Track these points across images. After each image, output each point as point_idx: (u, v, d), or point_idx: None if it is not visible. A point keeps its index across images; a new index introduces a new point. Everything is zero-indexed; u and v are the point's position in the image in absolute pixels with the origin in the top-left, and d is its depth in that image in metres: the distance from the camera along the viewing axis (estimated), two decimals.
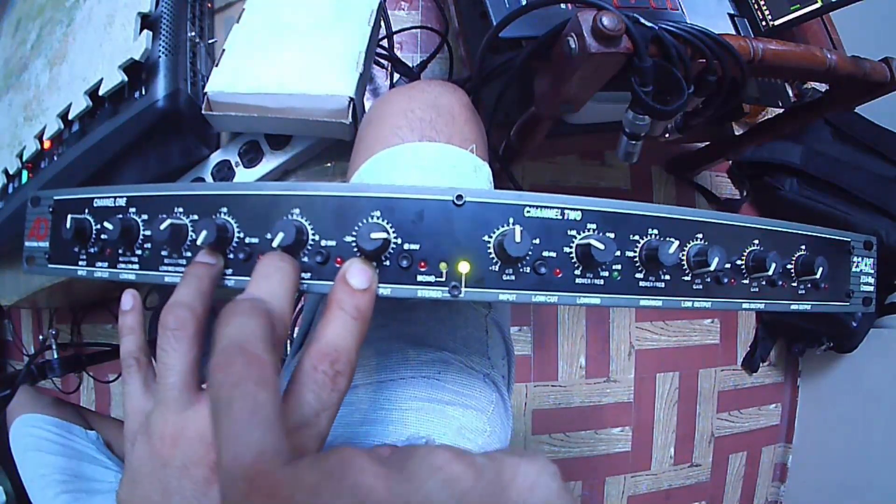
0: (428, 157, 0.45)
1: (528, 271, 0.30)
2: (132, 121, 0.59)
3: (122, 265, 0.34)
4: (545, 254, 0.31)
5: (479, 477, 0.20)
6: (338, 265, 0.30)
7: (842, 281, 0.39)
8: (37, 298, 0.87)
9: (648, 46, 0.59)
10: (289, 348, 0.89)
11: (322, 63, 0.64)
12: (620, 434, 1.40)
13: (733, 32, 0.75)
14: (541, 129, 0.89)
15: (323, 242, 0.30)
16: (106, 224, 0.33)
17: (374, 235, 0.28)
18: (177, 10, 0.65)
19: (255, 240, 0.31)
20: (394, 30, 1.03)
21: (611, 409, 1.40)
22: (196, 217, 0.32)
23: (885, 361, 1.29)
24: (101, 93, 0.59)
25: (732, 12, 0.77)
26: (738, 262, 0.35)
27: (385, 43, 0.98)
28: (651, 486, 1.42)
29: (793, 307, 0.37)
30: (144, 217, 0.34)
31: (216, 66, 0.64)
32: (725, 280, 0.34)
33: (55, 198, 0.37)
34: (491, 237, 0.30)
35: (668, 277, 0.33)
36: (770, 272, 0.33)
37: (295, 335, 0.62)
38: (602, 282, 0.31)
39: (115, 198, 0.35)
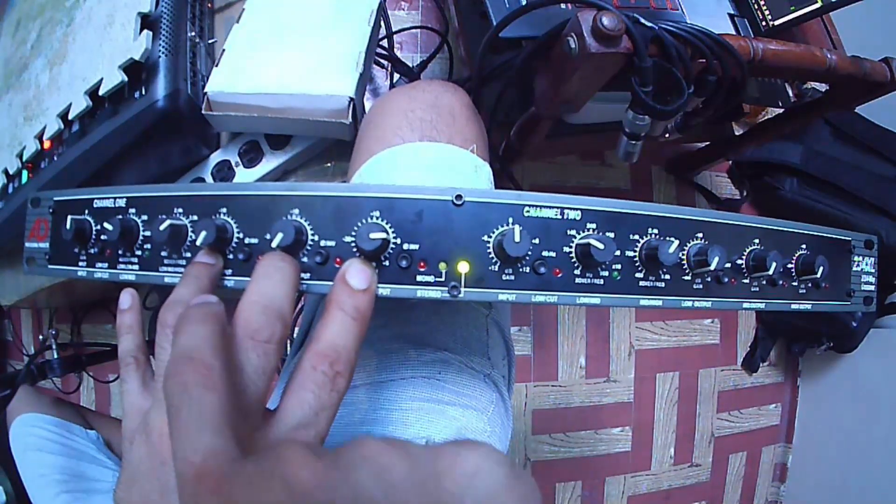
0: (428, 157, 0.45)
1: (527, 271, 0.30)
2: (132, 121, 0.59)
3: (122, 266, 0.34)
4: (545, 253, 0.31)
5: (412, 467, 0.19)
6: (337, 265, 0.30)
7: (842, 280, 0.39)
8: (37, 298, 0.87)
9: (648, 46, 0.59)
10: (289, 348, 0.89)
11: (322, 63, 0.64)
12: (620, 434, 1.40)
13: (733, 32, 0.75)
14: (541, 129, 0.89)
15: (322, 243, 0.30)
16: (106, 225, 0.33)
17: (373, 235, 0.28)
18: (177, 10, 0.65)
19: (254, 240, 0.31)
20: (394, 30, 1.03)
21: (611, 409, 1.40)
22: (195, 217, 0.32)
23: (885, 361, 1.28)
24: (101, 93, 0.59)
25: (732, 12, 0.77)
26: (739, 262, 0.34)
27: (385, 43, 0.98)
28: (651, 486, 1.42)
29: (793, 307, 0.37)
30: (144, 218, 0.34)
31: (216, 66, 0.64)
32: (726, 279, 0.34)
33: (55, 198, 0.37)
34: (490, 237, 0.30)
35: (668, 277, 0.33)
36: (770, 271, 0.33)
37: (295, 335, 0.62)
38: (602, 281, 0.31)
39: (114, 199, 0.35)
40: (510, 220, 0.30)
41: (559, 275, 0.31)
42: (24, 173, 0.66)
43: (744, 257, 0.35)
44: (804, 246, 0.37)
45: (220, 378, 0.22)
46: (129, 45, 0.59)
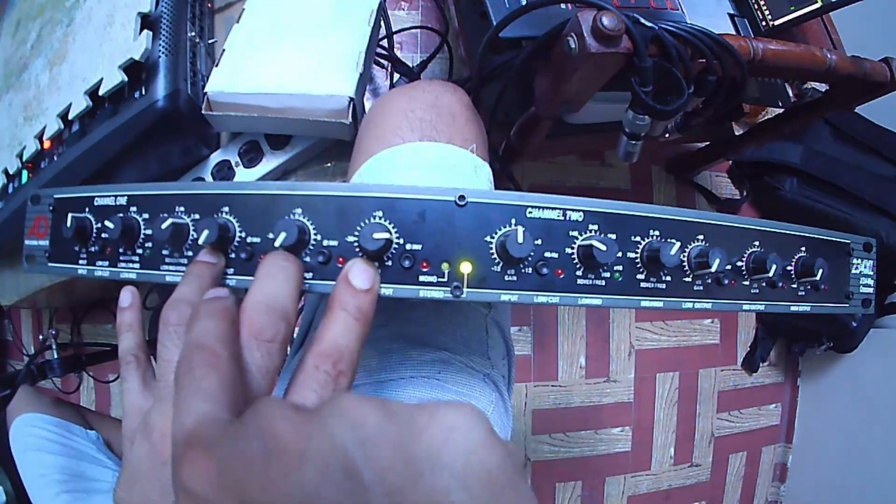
0: (428, 157, 0.45)
1: (529, 272, 0.30)
2: (132, 121, 0.59)
3: (123, 264, 0.34)
4: (547, 254, 0.31)
5: (388, 420, 0.19)
6: (340, 265, 0.30)
7: (841, 282, 0.39)
8: (37, 298, 0.87)
9: (648, 46, 0.59)
10: (288, 349, 0.89)
11: (322, 63, 0.64)
12: (620, 434, 1.40)
13: (733, 32, 0.75)
14: (541, 129, 0.89)
15: (325, 242, 0.30)
16: (107, 223, 0.33)
17: (376, 235, 0.28)
18: (177, 10, 0.65)
19: (256, 239, 0.31)
20: (394, 30, 1.03)
21: (611, 409, 1.40)
22: (197, 216, 0.32)
23: (885, 361, 1.29)
24: (101, 93, 0.59)
25: (732, 12, 0.77)
26: (739, 264, 0.35)
27: (385, 43, 0.98)
28: (651, 486, 1.42)
29: (793, 308, 0.37)
30: (145, 216, 0.34)
31: (216, 66, 0.64)
32: (726, 281, 0.34)
33: (56, 196, 0.37)
34: (493, 238, 0.30)
35: (669, 278, 0.33)
36: (770, 273, 0.33)
37: (294, 335, 0.62)
38: (603, 283, 0.31)
39: (115, 196, 0.35)
40: (513, 221, 0.30)
41: (561, 276, 0.31)
42: (24, 173, 0.66)
43: (744, 259, 0.35)
44: (803, 248, 0.37)
45: (226, 364, 0.23)
46: (129, 45, 0.59)
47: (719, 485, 1.47)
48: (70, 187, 0.37)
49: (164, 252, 0.33)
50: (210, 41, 0.73)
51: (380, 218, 0.30)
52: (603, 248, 0.29)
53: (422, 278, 0.30)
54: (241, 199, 0.32)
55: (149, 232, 0.33)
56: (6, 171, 0.67)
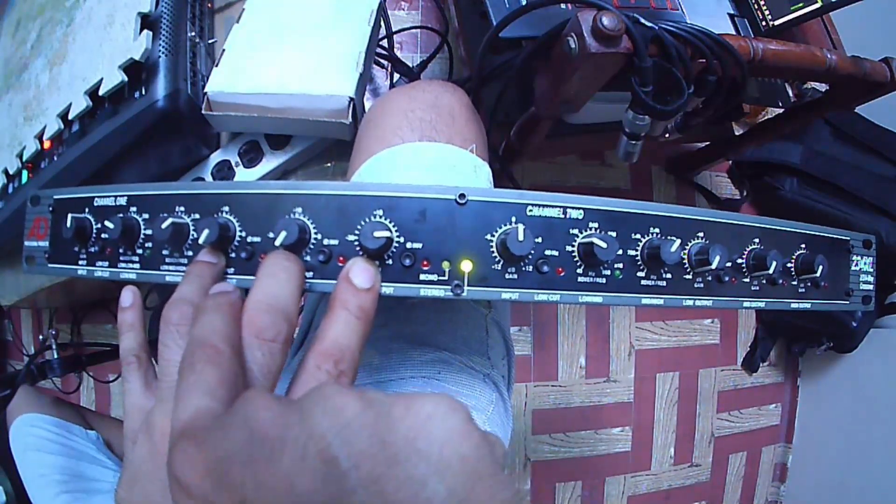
0: (428, 156, 0.45)
1: (530, 270, 0.31)
2: (132, 121, 0.59)
3: (123, 264, 0.34)
4: (548, 252, 0.31)
5: (366, 409, 0.19)
6: (340, 264, 0.30)
7: (841, 279, 0.39)
8: (37, 298, 0.87)
9: (648, 46, 0.59)
10: None
11: (322, 63, 0.64)
12: (620, 434, 1.40)
13: (733, 32, 0.75)
14: (541, 129, 0.89)
15: (325, 241, 0.30)
16: (106, 223, 0.33)
17: (376, 234, 0.28)
18: (177, 10, 0.65)
19: (257, 239, 0.31)
20: (394, 30, 1.03)
21: (611, 409, 1.40)
22: (198, 216, 0.32)
23: (885, 361, 1.29)
24: (101, 93, 0.59)
25: (732, 12, 0.77)
26: (739, 261, 0.35)
27: (385, 43, 0.98)
28: (651, 486, 1.42)
29: (793, 305, 0.37)
30: (145, 216, 0.34)
31: (216, 66, 0.64)
32: (726, 278, 0.34)
33: (55, 197, 0.37)
34: (493, 236, 0.30)
35: (669, 276, 0.33)
36: (771, 271, 0.33)
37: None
38: (604, 280, 0.31)
39: (115, 197, 0.35)
40: (513, 219, 0.30)
41: (562, 273, 0.31)
42: (24, 173, 0.66)
43: (744, 256, 0.35)
44: (803, 245, 0.37)
45: (227, 361, 0.23)
46: (129, 45, 0.59)
47: (719, 485, 1.47)
48: (70, 188, 0.37)
49: (165, 252, 0.33)
50: (210, 41, 0.73)
51: (380, 217, 0.30)
52: (603, 245, 0.29)
53: (422, 277, 0.30)
54: (241, 198, 0.32)
55: (149, 232, 0.33)
56: (6, 171, 0.67)
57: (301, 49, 0.65)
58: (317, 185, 0.30)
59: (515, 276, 0.30)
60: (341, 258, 0.30)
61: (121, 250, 0.34)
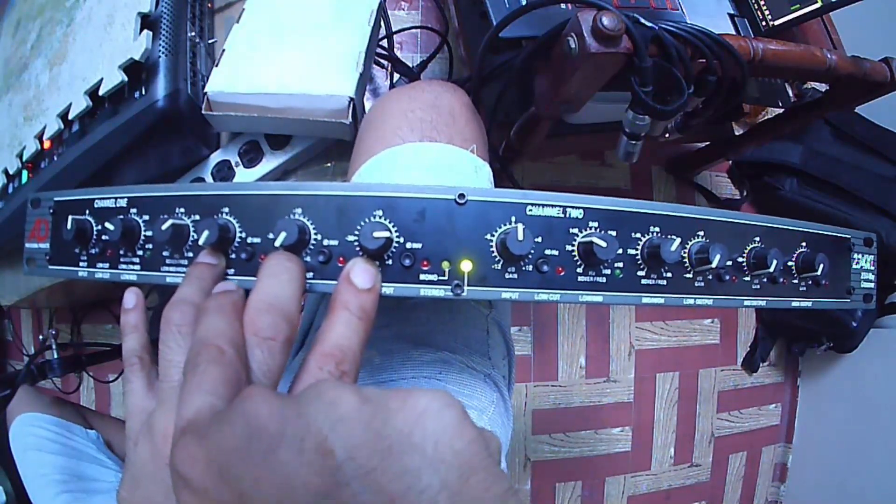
0: (428, 157, 0.45)
1: (530, 269, 0.31)
2: (132, 121, 0.59)
3: (124, 266, 0.34)
4: (547, 252, 0.31)
5: (362, 403, 0.20)
6: (340, 265, 0.30)
7: (842, 278, 0.39)
8: (37, 298, 0.86)
9: (648, 46, 0.59)
10: None
11: (322, 63, 0.64)
12: (620, 434, 1.40)
13: (733, 32, 0.75)
14: (541, 129, 0.89)
15: (325, 242, 0.30)
16: (107, 225, 0.33)
17: (376, 234, 0.28)
18: (177, 10, 0.65)
19: (257, 240, 0.31)
20: (394, 30, 1.03)
21: (611, 409, 1.40)
22: (198, 217, 0.32)
23: (885, 361, 1.29)
24: (101, 93, 0.59)
25: (732, 12, 0.77)
26: (740, 260, 0.35)
27: (385, 43, 0.98)
28: (651, 486, 1.42)
29: (794, 304, 0.37)
30: (146, 218, 0.34)
31: (216, 66, 0.64)
32: (727, 277, 0.34)
33: (56, 199, 0.37)
34: (493, 235, 0.30)
35: (669, 275, 0.33)
36: (771, 269, 0.33)
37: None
38: (604, 279, 0.31)
39: (116, 198, 0.35)
40: (513, 218, 0.30)
41: (562, 273, 0.31)
42: (24, 173, 0.66)
43: (745, 255, 0.35)
44: (804, 244, 0.37)
45: (230, 360, 0.23)
46: (129, 45, 0.59)
47: (719, 485, 1.47)
48: (70, 190, 0.37)
49: (165, 253, 0.33)
50: (210, 41, 0.73)
51: (380, 217, 0.30)
52: (603, 244, 0.29)
53: (422, 277, 0.30)
54: (240, 199, 0.32)
55: (149, 233, 0.33)
56: (6, 171, 0.67)
57: (301, 49, 0.65)
58: (316, 186, 0.30)
59: (515, 276, 0.30)
60: (341, 259, 0.30)
61: (121, 252, 0.34)
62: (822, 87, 0.98)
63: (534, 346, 1.37)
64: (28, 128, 0.66)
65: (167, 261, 0.33)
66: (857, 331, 1.28)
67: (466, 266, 0.30)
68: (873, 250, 0.40)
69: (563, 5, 0.68)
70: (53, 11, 0.72)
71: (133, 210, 0.34)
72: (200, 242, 0.30)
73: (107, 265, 0.35)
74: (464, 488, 0.18)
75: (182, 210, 0.33)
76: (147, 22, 0.61)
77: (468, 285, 0.30)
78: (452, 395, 0.21)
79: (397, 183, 0.38)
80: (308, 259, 0.30)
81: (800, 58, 0.69)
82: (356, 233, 0.30)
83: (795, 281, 0.37)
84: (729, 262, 0.34)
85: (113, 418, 0.85)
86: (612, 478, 1.39)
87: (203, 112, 0.62)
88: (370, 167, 0.46)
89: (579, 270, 0.31)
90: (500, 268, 0.30)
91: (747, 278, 0.35)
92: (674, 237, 0.31)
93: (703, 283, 0.34)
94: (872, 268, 0.40)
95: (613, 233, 0.31)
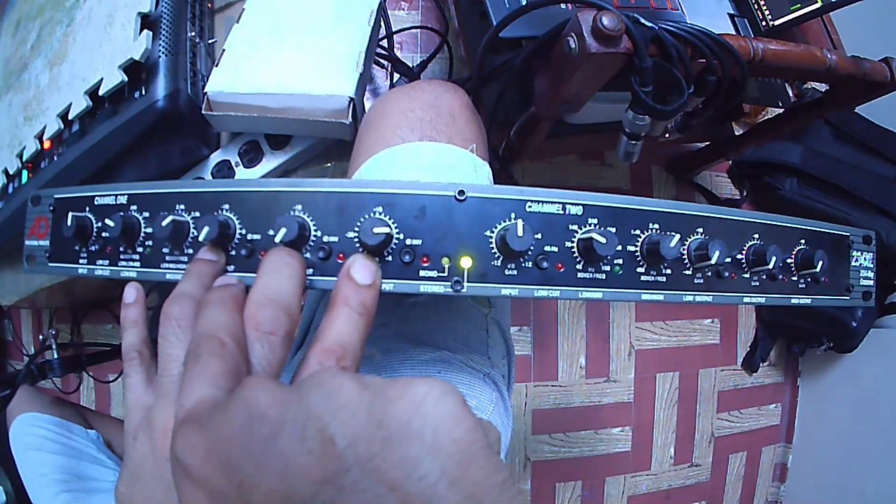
0: (428, 156, 0.45)
1: (530, 266, 0.31)
2: (132, 121, 0.59)
3: (124, 263, 0.34)
4: (547, 248, 0.31)
5: (363, 391, 0.20)
6: (340, 261, 0.30)
7: (841, 275, 0.39)
8: (37, 298, 0.87)
9: (648, 46, 0.59)
10: None
11: (322, 63, 0.64)
12: (620, 434, 1.40)
13: (733, 32, 0.75)
14: (541, 129, 0.89)
15: (325, 238, 0.30)
16: (107, 222, 0.33)
17: (376, 230, 0.28)
18: (177, 10, 0.65)
19: (257, 236, 0.31)
20: (394, 30, 1.03)
21: (611, 409, 1.40)
22: (198, 214, 0.32)
23: (885, 361, 1.28)
24: (101, 93, 0.59)
25: (732, 12, 0.77)
26: (739, 257, 0.35)
27: (385, 43, 0.98)
28: (651, 486, 1.42)
29: (793, 301, 0.37)
30: (146, 214, 0.34)
31: (216, 66, 0.64)
32: (726, 274, 0.34)
33: (56, 196, 0.37)
34: (493, 232, 0.30)
35: (669, 271, 0.33)
36: (770, 266, 0.33)
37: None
38: (604, 276, 0.32)
39: (116, 195, 0.35)
40: (512, 215, 0.30)
41: (561, 269, 0.31)
42: (24, 173, 0.66)
43: (744, 252, 0.35)
44: (803, 241, 0.37)
45: (230, 352, 0.24)
46: (129, 45, 0.59)
47: (719, 485, 1.47)
48: (70, 187, 0.37)
49: (165, 250, 0.33)
50: (210, 41, 0.74)
51: (380, 213, 0.30)
52: (603, 241, 0.29)
53: (422, 273, 0.30)
54: (240, 196, 0.32)
55: (149, 230, 0.34)
56: (6, 171, 0.67)
57: (301, 49, 0.65)
58: (316, 183, 0.31)
59: (515, 273, 0.30)
60: (341, 255, 0.30)
61: (121, 249, 0.34)
62: (822, 87, 0.98)
63: (534, 346, 1.36)
64: (28, 128, 0.66)
65: (167, 257, 0.33)
66: (857, 331, 1.28)
67: (466, 262, 0.30)
68: (872, 248, 0.40)
69: (563, 5, 0.68)
70: (53, 11, 0.72)
71: (133, 207, 0.34)
72: (200, 239, 0.30)
73: (107, 262, 0.35)
74: (463, 475, 0.19)
75: (182, 207, 0.33)
76: (147, 22, 0.62)
77: (468, 282, 0.30)
78: (448, 383, 0.21)
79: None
80: (308, 255, 0.30)
81: (800, 58, 0.69)
82: (356, 229, 0.30)
83: (794, 278, 0.37)
84: (728, 259, 0.34)
85: (113, 418, 0.85)
86: (611, 478, 1.39)
87: (203, 112, 0.63)
88: (370, 167, 0.46)
89: (579, 267, 0.31)
90: (499, 264, 0.30)
91: (746, 275, 0.35)
92: (673, 234, 0.31)
93: (702, 280, 0.34)
94: (871, 265, 0.40)
95: (613, 229, 0.31)
